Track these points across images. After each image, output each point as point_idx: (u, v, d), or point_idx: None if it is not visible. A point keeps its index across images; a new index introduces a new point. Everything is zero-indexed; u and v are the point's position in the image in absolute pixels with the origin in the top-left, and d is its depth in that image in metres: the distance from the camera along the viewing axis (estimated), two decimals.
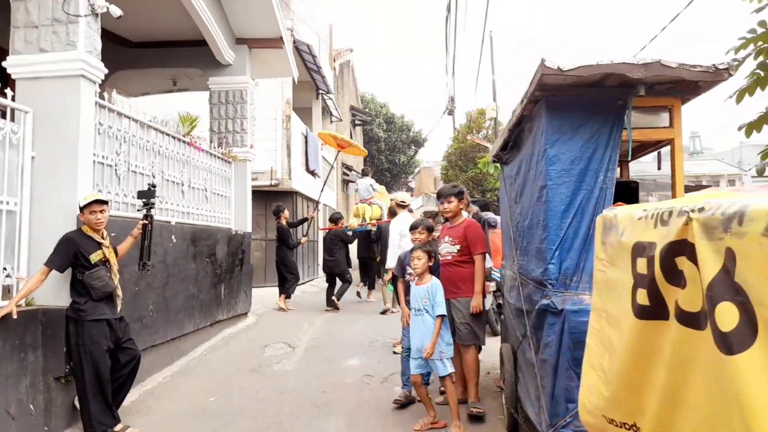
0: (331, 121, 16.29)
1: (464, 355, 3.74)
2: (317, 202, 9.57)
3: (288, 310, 7.95)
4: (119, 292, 3.58)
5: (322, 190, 9.68)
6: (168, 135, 5.21)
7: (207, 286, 5.73)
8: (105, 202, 3.50)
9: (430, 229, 3.90)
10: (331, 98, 14.88)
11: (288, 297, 8.07)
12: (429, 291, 3.40)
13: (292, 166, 10.62)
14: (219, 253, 6.08)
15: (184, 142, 5.51)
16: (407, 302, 3.89)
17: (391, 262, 5.71)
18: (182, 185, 5.49)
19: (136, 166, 4.63)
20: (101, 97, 4.07)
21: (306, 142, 12.05)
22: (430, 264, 3.51)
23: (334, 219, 8.66)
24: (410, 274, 3.87)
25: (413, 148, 26.59)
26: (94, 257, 3.44)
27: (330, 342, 5.94)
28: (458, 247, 3.80)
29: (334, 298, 8.03)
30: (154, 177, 4.93)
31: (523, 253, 3.34)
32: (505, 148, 4.06)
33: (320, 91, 14.02)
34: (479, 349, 4.00)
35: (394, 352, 5.40)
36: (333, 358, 5.25)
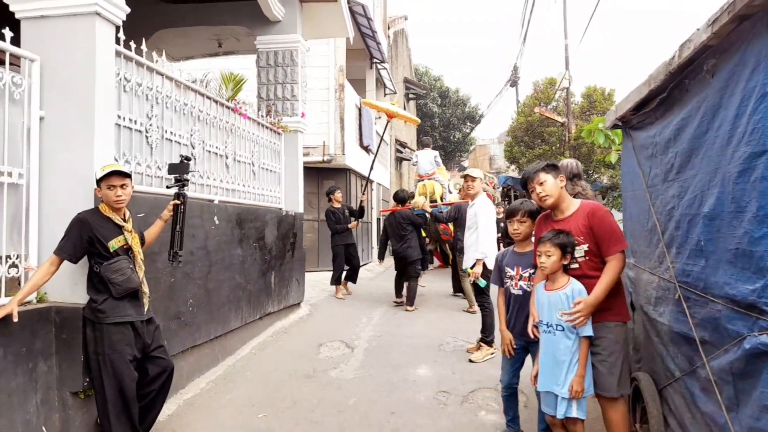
0: (385, 94, 15.32)
1: (608, 409, 2.53)
2: (367, 179, 8.21)
3: (341, 298, 7.35)
4: (145, 288, 2.86)
5: (372, 167, 8.17)
6: (209, 98, 4.45)
7: (255, 274, 5.03)
8: (127, 175, 2.76)
9: (533, 215, 2.86)
10: (385, 68, 13.86)
11: (339, 283, 7.47)
12: (570, 299, 2.41)
13: (345, 141, 9.80)
14: (268, 237, 5.35)
15: (227, 107, 4.75)
16: (511, 322, 2.87)
17: (489, 249, 4.53)
18: (226, 158, 4.76)
19: (171, 133, 3.90)
20: (127, 47, 3.32)
21: (360, 114, 11.19)
22: (565, 263, 2.48)
23: (401, 199, 7.21)
24: (510, 278, 2.88)
25: (468, 124, 25.16)
26: (114, 244, 2.73)
27: (392, 342, 5.13)
28: (585, 247, 2.54)
29: (407, 306, 6.73)
30: (193, 147, 4.21)
31: (693, 254, 2.30)
32: (642, 106, 2.98)
33: (374, 60, 13.04)
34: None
35: (470, 360, 4.52)
36: (398, 365, 4.43)
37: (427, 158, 8.71)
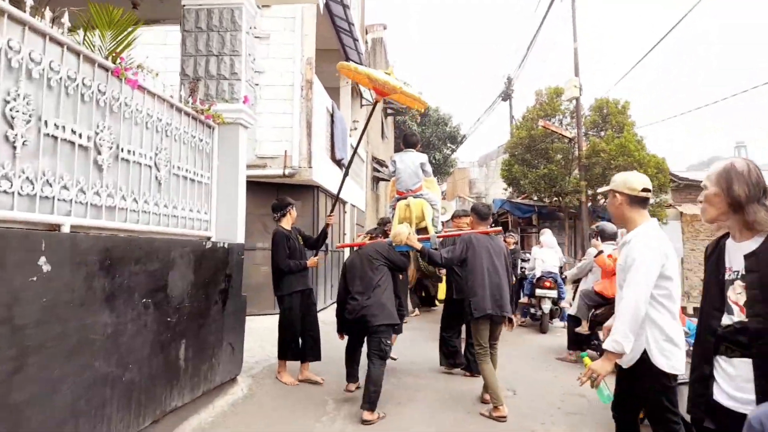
0: (362, 105, 13.61)
1: None
2: (335, 198, 5.52)
3: (288, 383, 4.55)
4: None
5: (343, 181, 5.28)
6: (55, 41, 2.51)
7: (145, 350, 2.99)
8: None
9: None
10: None
11: (292, 359, 4.65)
12: None
13: (313, 151, 7.90)
14: (176, 284, 3.34)
15: (100, 65, 2.80)
16: None
17: (627, 331, 2.20)
18: (98, 152, 2.78)
19: None
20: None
21: (332, 122, 9.35)
22: None
23: (378, 225, 4.86)
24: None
25: (449, 145, 23.71)
26: None
27: None
28: None
29: (364, 413, 3.74)
30: (12, 126, 2.24)
31: None
32: None
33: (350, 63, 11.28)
34: None
35: None
36: None
37: (411, 164, 5.54)
